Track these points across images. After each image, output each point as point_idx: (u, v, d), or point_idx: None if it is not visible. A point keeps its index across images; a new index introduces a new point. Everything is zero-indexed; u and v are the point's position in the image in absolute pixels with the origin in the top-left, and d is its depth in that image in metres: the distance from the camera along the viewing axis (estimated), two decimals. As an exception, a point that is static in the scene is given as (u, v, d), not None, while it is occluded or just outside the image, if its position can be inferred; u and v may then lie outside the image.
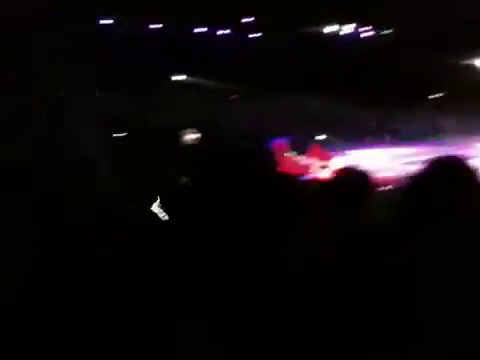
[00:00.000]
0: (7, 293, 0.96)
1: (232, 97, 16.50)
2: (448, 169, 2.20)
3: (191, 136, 16.11)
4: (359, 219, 2.68)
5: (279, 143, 13.55)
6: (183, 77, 16.53)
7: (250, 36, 15.52)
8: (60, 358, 1.04)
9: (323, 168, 13.56)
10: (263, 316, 1.23)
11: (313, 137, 14.34)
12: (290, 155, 13.22)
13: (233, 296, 1.22)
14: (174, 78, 16.42)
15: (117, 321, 1.01)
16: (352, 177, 3.04)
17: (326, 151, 13.97)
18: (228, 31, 15.47)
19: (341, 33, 15.22)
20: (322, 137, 14.59)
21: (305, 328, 1.33)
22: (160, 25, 14.89)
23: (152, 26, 15.08)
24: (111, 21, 14.46)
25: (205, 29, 15.35)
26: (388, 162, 13.11)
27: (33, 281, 0.98)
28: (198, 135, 15.89)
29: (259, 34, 15.58)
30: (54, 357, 1.04)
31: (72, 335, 1.00)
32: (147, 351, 1.04)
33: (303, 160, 13.53)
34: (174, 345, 1.06)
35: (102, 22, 14.29)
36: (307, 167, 13.43)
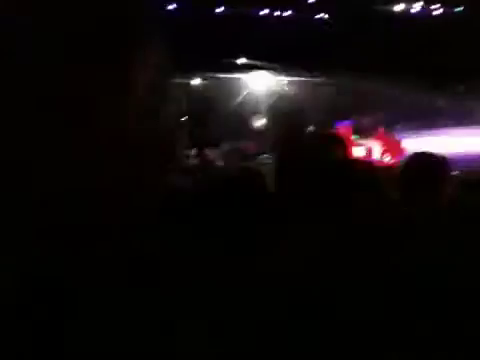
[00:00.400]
0: (6, 293, 0.98)
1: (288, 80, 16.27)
2: None
3: (260, 121, 16.14)
4: (437, 204, 2.61)
5: (343, 126, 13.32)
6: (250, 61, 16.49)
7: (316, 17, 15.27)
8: (60, 358, 1.06)
9: (387, 152, 13.21)
10: (267, 316, 1.21)
11: (379, 120, 13.96)
12: (354, 139, 12.90)
13: (239, 295, 1.21)
14: (240, 62, 16.42)
15: (117, 321, 1.01)
16: (429, 162, 2.95)
17: (392, 135, 13.56)
18: (293, 12, 15.27)
19: (412, 11, 14.68)
20: (387, 120, 14.16)
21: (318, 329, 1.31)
22: (224, 8, 14.91)
23: (218, 9, 15.12)
24: (175, 6, 14.61)
25: (271, 11, 15.23)
26: (460, 146, 12.54)
27: (33, 280, 1.00)
28: (265, 120, 15.90)
29: (325, 15, 15.31)
30: (54, 357, 1.06)
31: (72, 335, 1.00)
32: (147, 351, 1.04)
33: (368, 144, 13.17)
34: (174, 345, 1.05)
35: (169, 7, 14.47)
36: (370, 151, 13.11)
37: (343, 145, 2.55)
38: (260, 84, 16.79)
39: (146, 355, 1.07)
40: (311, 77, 15.58)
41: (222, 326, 1.15)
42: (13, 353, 1.01)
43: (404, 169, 3.11)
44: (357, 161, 2.26)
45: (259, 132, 15.22)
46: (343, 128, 13.00)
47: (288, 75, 15.75)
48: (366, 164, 2.15)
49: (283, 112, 13.85)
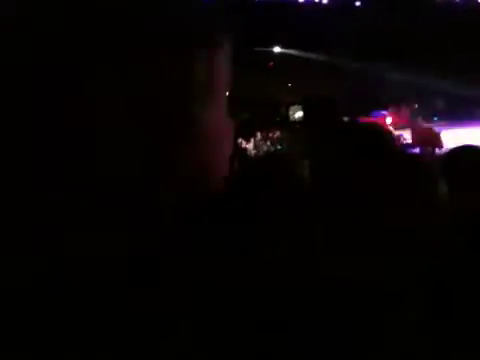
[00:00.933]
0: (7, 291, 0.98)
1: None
2: None
3: (298, 112, 15.97)
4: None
5: (379, 116, 13.05)
6: (285, 50, 16.30)
7: (356, 4, 14.96)
8: (61, 358, 1.04)
9: (425, 144, 12.85)
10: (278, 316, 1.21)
11: (415, 111, 13.63)
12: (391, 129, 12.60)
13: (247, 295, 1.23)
14: (276, 50, 16.24)
15: (116, 321, 1.00)
16: (474, 157, 2.80)
17: (429, 126, 13.21)
18: (335, 0, 15.00)
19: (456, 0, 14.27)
20: (425, 112, 13.82)
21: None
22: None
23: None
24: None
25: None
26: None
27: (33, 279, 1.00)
28: (302, 111, 15.70)
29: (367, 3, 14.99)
30: (55, 356, 1.05)
31: (73, 334, 0.99)
32: (147, 351, 1.02)
33: (405, 135, 12.85)
34: (173, 345, 1.03)
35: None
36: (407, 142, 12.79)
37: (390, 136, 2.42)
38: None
39: (146, 355, 1.05)
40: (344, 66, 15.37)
41: (222, 326, 1.09)
42: (13, 352, 1.00)
43: (450, 162, 2.93)
44: (416, 155, 2.16)
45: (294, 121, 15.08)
46: (379, 118, 12.73)
47: (321, 63, 15.53)
48: (421, 158, 2.06)
49: (318, 102, 13.67)
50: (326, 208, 1.52)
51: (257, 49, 14.83)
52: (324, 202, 1.54)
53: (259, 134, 13.56)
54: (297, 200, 1.51)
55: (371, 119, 12.50)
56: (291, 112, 15.75)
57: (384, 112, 13.37)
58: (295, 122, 14.90)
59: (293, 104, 15.78)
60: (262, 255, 1.28)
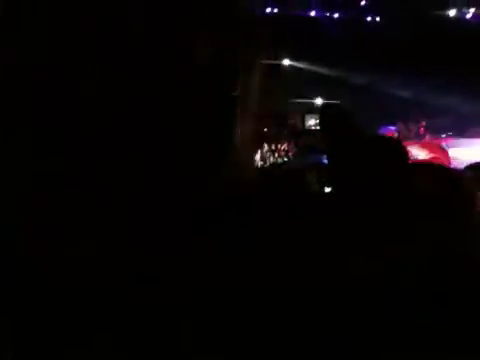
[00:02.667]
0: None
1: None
2: None
3: (313, 120, 15.91)
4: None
5: (388, 131, 12.93)
6: (298, 63, 16.28)
7: (368, 19, 14.92)
8: (61, 357, 1.04)
9: (433, 159, 12.70)
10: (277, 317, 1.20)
11: (424, 127, 13.51)
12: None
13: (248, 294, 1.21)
14: (290, 63, 16.22)
15: (118, 321, 0.99)
16: None
17: (438, 142, 13.06)
18: (345, 14, 14.95)
19: (467, 16, 14.18)
20: (434, 127, 13.68)
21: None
22: (276, 9, 14.73)
23: (267, 10, 14.94)
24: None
25: (324, 12, 14.97)
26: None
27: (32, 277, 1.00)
28: (318, 120, 15.63)
29: (377, 18, 14.94)
30: (56, 356, 1.04)
31: (73, 334, 0.99)
32: (150, 351, 1.01)
33: (412, 151, 12.71)
34: (176, 345, 1.05)
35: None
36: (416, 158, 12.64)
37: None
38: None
39: (149, 355, 1.10)
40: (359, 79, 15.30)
41: (223, 326, 1.07)
42: (12, 352, 1.05)
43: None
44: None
45: (311, 131, 15.02)
46: (388, 133, 12.62)
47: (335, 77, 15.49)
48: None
49: (334, 113, 13.57)
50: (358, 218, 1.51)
51: (267, 62, 14.80)
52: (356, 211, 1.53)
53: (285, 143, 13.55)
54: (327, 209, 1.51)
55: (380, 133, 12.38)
56: (307, 120, 15.76)
57: (392, 127, 13.26)
58: (312, 130, 14.86)
59: (309, 113, 15.76)
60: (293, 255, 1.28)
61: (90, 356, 1.02)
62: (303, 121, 16.44)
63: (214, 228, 1.14)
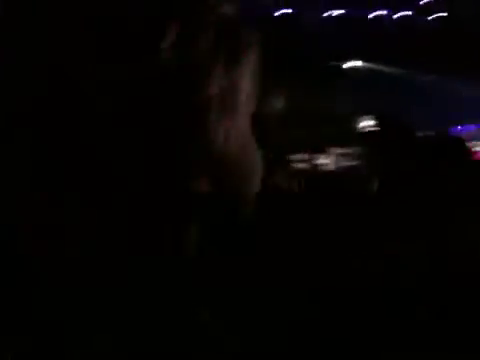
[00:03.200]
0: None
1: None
2: None
3: (368, 122, 15.67)
4: None
5: (468, 131, 12.61)
6: (358, 63, 16.03)
7: (430, 18, 14.54)
8: (61, 357, 1.06)
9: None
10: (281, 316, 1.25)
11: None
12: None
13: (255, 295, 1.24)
14: (348, 64, 16.00)
15: (118, 320, 1.01)
16: None
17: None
18: (407, 13, 14.65)
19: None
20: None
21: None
22: (338, 10, 14.59)
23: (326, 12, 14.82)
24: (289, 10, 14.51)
25: (382, 12, 14.71)
26: None
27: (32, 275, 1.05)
28: (373, 122, 15.37)
29: (444, 14, 14.54)
30: (56, 356, 1.06)
31: (73, 334, 1.00)
32: (150, 351, 1.01)
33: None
34: (176, 345, 1.03)
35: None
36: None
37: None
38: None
39: (157, 354, 1.02)
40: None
41: (235, 324, 1.08)
42: (13, 351, 0.97)
43: None
44: None
45: (366, 135, 14.78)
46: (468, 132, 12.33)
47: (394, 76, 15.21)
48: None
49: (390, 115, 13.32)
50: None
51: (324, 64, 14.65)
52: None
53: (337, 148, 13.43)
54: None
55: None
56: (361, 123, 15.55)
57: (473, 127, 12.90)
58: (370, 133, 14.64)
59: (364, 116, 15.53)
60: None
61: (90, 356, 1.02)
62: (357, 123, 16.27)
63: (214, 228, 1.09)
